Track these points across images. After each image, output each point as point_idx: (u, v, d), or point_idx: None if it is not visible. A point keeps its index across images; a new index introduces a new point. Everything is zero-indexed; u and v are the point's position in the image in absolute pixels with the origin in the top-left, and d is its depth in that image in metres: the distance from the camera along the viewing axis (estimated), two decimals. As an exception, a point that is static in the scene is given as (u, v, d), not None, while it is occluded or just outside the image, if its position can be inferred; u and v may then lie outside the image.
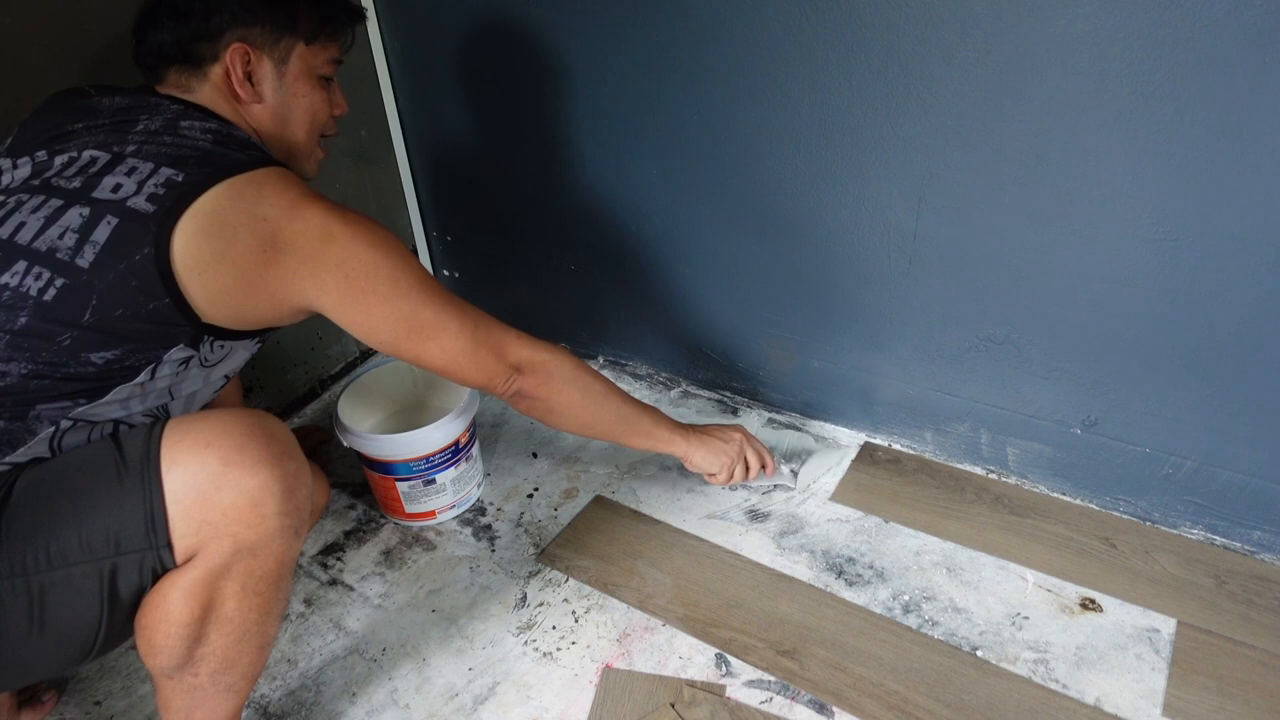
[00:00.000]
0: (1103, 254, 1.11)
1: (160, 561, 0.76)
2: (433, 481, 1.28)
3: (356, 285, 0.87)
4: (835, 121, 1.20)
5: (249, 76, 0.92)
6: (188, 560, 0.77)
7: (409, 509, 1.31)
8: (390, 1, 1.53)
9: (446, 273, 1.86)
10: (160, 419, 0.83)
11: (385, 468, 1.26)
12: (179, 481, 0.75)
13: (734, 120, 1.28)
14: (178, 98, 0.90)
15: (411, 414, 1.46)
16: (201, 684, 0.84)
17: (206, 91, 0.92)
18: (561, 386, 1.05)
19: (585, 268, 1.62)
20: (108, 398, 0.81)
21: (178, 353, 0.83)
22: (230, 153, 0.85)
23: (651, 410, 1.18)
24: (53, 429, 0.79)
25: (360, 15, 1.03)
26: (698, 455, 1.20)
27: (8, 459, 0.77)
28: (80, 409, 0.80)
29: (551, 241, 1.63)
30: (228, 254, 0.80)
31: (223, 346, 0.87)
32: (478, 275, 1.82)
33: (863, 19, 1.11)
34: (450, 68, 1.53)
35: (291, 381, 1.62)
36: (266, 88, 0.94)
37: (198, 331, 0.83)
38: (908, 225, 1.23)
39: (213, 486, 0.75)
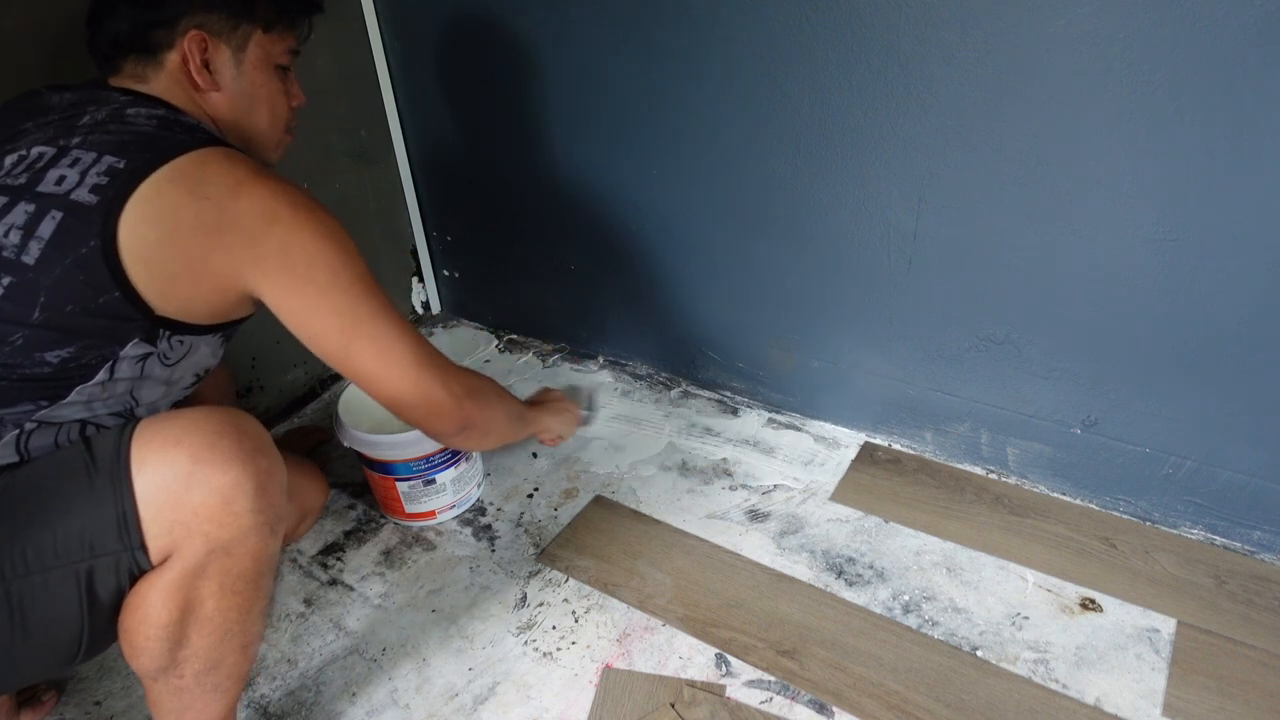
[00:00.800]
0: (1103, 254, 1.11)
1: (135, 563, 0.75)
2: (433, 481, 1.28)
3: (295, 271, 0.83)
4: (835, 121, 1.20)
5: (206, 65, 0.90)
6: (163, 561, 0.76)
7: (409, 509, 1.31)
8: (390, 1, 1.53)
9: (446, 273, 1.86)
10: (130, 419, 0.81)
11: (385, 468, 1.26)
12: (149, 481, 0.74)
13: (734, 120, 1.28)
14: (128, 89, 0.88)
15: None
16: (188, 685, 0.84)
17: (162, 81, 0.90)
18: (494, 408, 1.02)
19: (585, 267, 1.62)
20: (69, 398, 0.79)
21: (134, 349, 0.81)
22: (175, 135, 0.83)
23: (523, 416, 1.15)
24: (17, 431, 0.78)
25: (318, 7, 1.01)
26: (558, 426, 1.25)
27: None
28: (43, 411, 0.79)
29: (551, 241, 1.63)
30: (172, 239, 0.78)
31: (181, 342, 0.85)
32: (478, 275, 1.82)
33: (863, 19, 1.11)
34: (450, 68, 1.53)
35: (291, 381, 1.62)
36: (225, 76, 0.92)
37: (152, 325, 0.81)
38: (908, 225, 1.23)
39: (183, 485, 0.74)
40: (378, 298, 0.88)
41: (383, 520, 1.36)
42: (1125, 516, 1.27)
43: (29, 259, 0.76)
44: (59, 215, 0.77)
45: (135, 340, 0.81)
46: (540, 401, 1.26)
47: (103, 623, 0.78)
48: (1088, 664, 1.06)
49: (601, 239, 1.55)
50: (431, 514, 1.32)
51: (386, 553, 1.30)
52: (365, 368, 0.88)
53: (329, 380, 1.69)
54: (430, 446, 1.25)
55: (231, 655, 0.84)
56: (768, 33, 1.18)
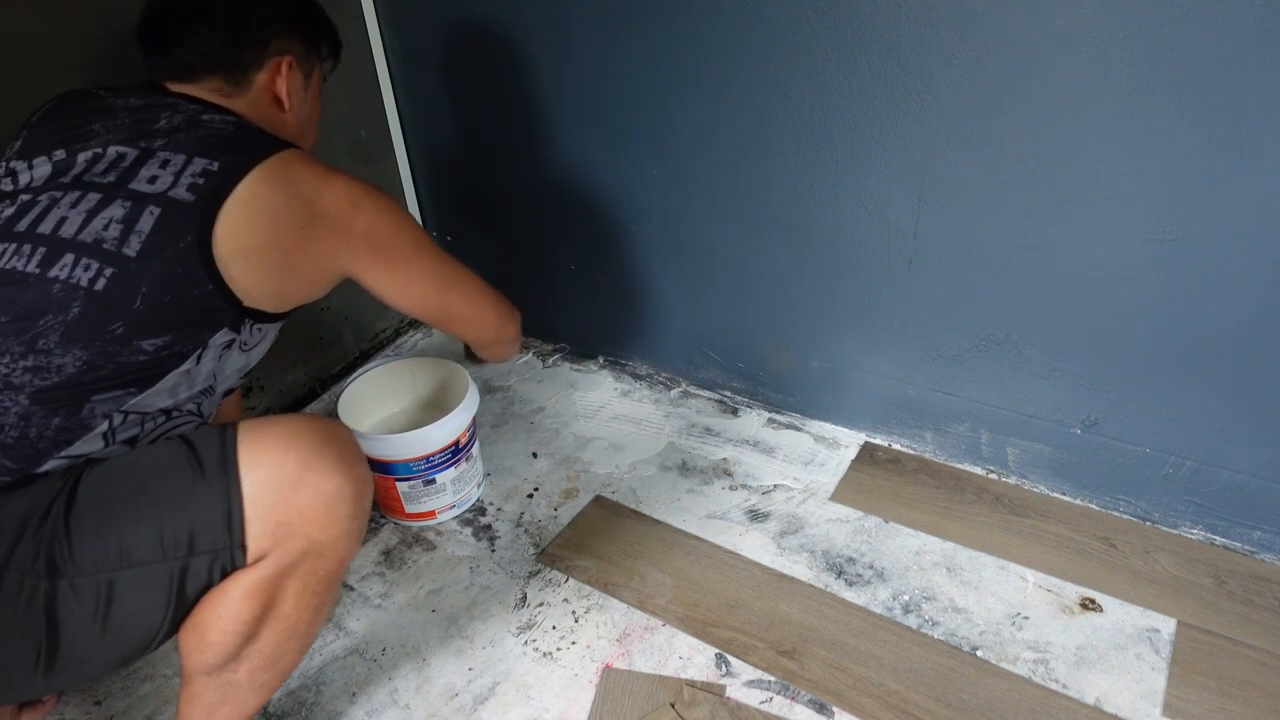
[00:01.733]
0: (1103, 254, 1.11)
1: (232, 560, 0.78)
2: (433, 481, 1.28)
3: (385, 248, 0.93)
4: (835, 121, 1.20)
5: (287, 89, 0.98)
6: (257, 560, 0.79)
7: (409, 509, 1.31)
8: (390, 1, 1.53)
9: (446, 273, 1.85)
10: (208, 418, 0.88)
11: (385, 468, 1.26)
12: (259, 482, 0.77)
13: (734, 121, 1.28)
14: (194, 97, 0.92)
15: (411, 414, 1.46)
16: (240, 680, 0.85)
17: (246, 98, 0.95)
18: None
19: (585, 267, 1.62)
20: (157, 386, 0.82)
21: (221, 337, 0.85)
22: (256, 139, 0.88)
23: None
24: (106, 423, 0.81)
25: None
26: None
27: (64, 454, 0.79)
28: (133, 400, 0.81)
29: (551, 241, 1.63)
30: (272, 236, 0.84)
31: (259, 329, 0.90)
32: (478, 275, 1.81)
33: (862, 19, 1.11)
34: (450, 68, 1.53)
35: (291, 382, 1.62)
36: (295, 99, 0.99)
37: (239, 315, 0.85)
38: (908, 225, 1.23)
39: (292, 488, 0.77)
40: (445, 254, 1.03)
41: (383, 520, 1.36)
42: (1125, 516, 1.27)
43: (130, 251, 0.79)
44: (157, 210, 0.80)
45: (224, 329, 0.85)
46: None
47: (179, 619, 0.80)
48: (1088, 664, 1.06)
49: (601, 239, 1.55)
50: (431, 514, 1.32)
51: (386, 553, 1.30)
52: (461, 312, 1.07)
53: (329, 380, 1.69)
54: (431, 446, 1.25)
55: (290, 655, 0.87)
56: (768, 33, 1.18)
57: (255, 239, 0.83)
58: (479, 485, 1.39)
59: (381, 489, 1.30)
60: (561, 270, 1.65)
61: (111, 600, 0.75)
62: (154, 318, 0.80)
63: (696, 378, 1.62)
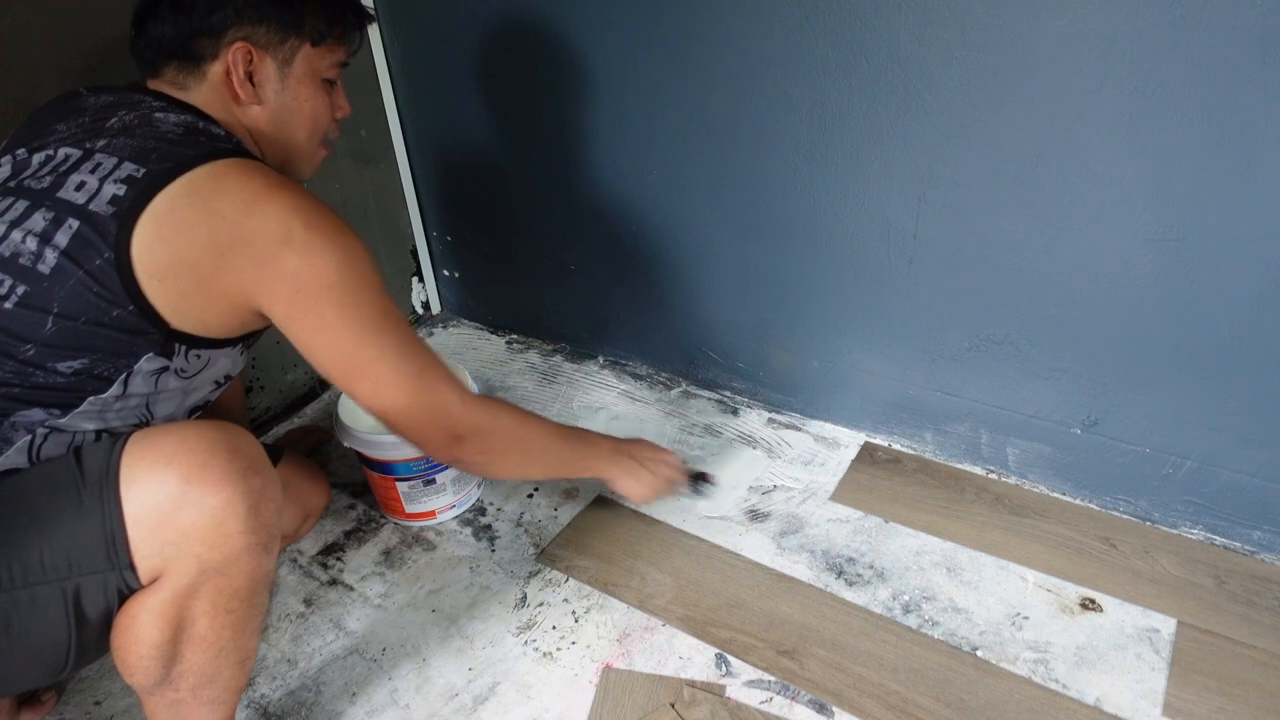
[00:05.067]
0: (1103, 254, 1.11)
1: (124, 582, 0.74)
2: (433, 481, 1.28)
3: (303, 302, 0.80)
4: (835, 122, 1.20)
5: (250, 77, 0.89)
6: (154, 580, 0.75)
7: (409, 509, 1.31)
8: (391, 1, 1.53)
9: (446, 273, 1.86)
10: (119, 437, 0.78)
11: (385, 468, 1.26)
12: (139, 501, 0.72)
13: (734, 120, 1.28)
14: (164, 93, 0.87)
15: None
16: (184, 698, 0.83)
17: (203, 91, 0.88)
18: (502, 453, 0.98)
19: (585, 268, 1.62)
20: (82, 408, 0.78)
21: (148, 363, 0.79)
22: (197, 144, 0.81)
23: (583, 440, 1.12)
24: (29, 437, 0.77)
25: (369, 17, 1.01)
26: (625, 484, 1.15)
27: None
28: (56, 420, 0.78)
29: (551, 241, 1.63)
30: (184, 258, 0.76)
31: (199, 356, 0.83)
32: (478, 275, 1.82)
33: (862, 19, 1.11)
34: (450, 68, 1.53)
35: (291, 381, 1.62)
36: (268, 90, 0.90)
37: (167, 339, 0.79)
38: (908, 225, 1.23)
39: (173, 506, 0.72)
40: (385, 334, 0.85)
41: (383, 520, 1.36)
42: (1125, 516, 1.27)
43: (44, 268, 0.75)
44: (75, 224, 0.75)
45: (149, 354, 0.79)
46: (633, 449, 1.17)
47: (92, 637, 0.77)
48: (1088, 664, 1.06)
49: (601, 239, 1.55)
50: (431, 514, 1.32)
51: (386, 553, 1.30)
52: (364, 405, 0.89)
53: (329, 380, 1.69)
54: None
55: (227, 670, 0.83)
56: (767, 33, 1.18)
57: (165, 259, 0.76)
58: (479, 485, 1.39)
59: (381, 489, 1.30)
60: (561, 270, 1.65)
61: (9, 622, 0.72)
62: (67, 340, 0.75)
63: (696, 378, 1.62)
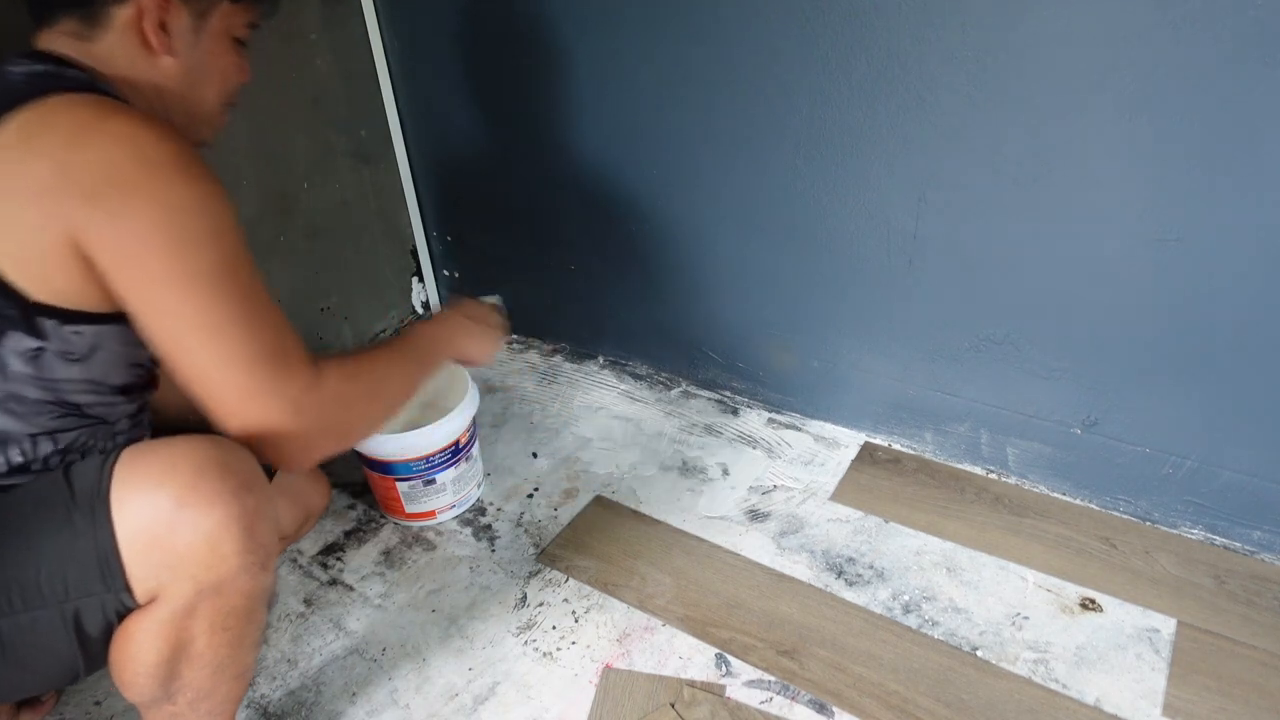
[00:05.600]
0: (1103, 254, 1.11)
1: (121, 604, 0.73)
2: (433, 481, 1.28)
3: (126, 250, 0.69)
4: (835, 122, 1.20)
5: (163, 26, 0.79)
6: (151, 600, 0.74)
7: (409, 509, 1.31)
8: (390, 1, 1.53)
9: (446, 273, 1.86)
10: (110, 455, 0.73)
11: (385, 468, 1.26)
12: (131, 524, 0.70)
13: (734, 121, 1.28)
14: (38, 50, 0.77)
15: (411, 414, 1.45)
16: (181, 711, 0.83)
17: (107, 41, 0.77)
18: (360, 425, 0.84)
19: (585, 268, 1.62)
20: None
21: (17, 343, 0.72)
22: (36, 86, 0.71)
23: (416, 342, 0.94)
24: None
25: None
26: (471, 352, 1.02)
27: None
28: None
29: (551, 241, 1.63)
30: (10, 208, 0.68)
31: (79, 334, 0.74)
32: (478, 275, 1.82)
33: (862, 19, 1.11)
34: (450, 68, 1.53)
35: (291, 381, 1.62)
36: (181, 41, 0.81)
37: (27, 314, 0.71)
38: (908, 225, 1.23)
39: (166, 528, 0.70)
40: (223, 300, 0.72)
41: (383, 520, 1.36)
42: (1125, 516, 1.27)
43: None
44: None
45: (16, 334, 0.71)
46: (451, 315, 1.03)
47: (99, 650, 0.76)
48: (1088, 664, 1.06)
49: (601, 239, 1.55)
50: (431, 514, 1.32)
51: (386, 553, 1.30)
52: (186, 381, 0.74)
53: (329, 380, 1.69)
54: (431, 446, 1.25)
55: (225, 684, 0.83)
56: (767, 33, 1.18)
57: (2, 216, 0.67)
58: (479, 485, 1.39)
59: (381, 489, 1.30)
60: (562, 270, 1.65)
61: (14, 643, 0.71)
62: None
63: (696, 378, 1.62)
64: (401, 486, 1.28)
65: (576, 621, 1.15)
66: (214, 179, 0.73)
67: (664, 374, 1.65)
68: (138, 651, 0.75)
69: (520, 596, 1.20)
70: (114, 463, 0.72)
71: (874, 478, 1.37)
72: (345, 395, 0.81)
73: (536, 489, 1.40)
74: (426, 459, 1.25)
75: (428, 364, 0.95)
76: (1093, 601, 1.14)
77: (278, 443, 0.76)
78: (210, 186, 0.72)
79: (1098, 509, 1.28)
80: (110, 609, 0.73)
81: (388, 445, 1.23)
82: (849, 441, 1.45)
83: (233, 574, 0.73)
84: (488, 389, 1.65)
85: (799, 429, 1.49)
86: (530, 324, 1.80)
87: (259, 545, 0.74)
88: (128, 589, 0.72)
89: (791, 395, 1.51)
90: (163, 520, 0.70)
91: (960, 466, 1.38)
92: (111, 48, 0.78)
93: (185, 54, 0.82)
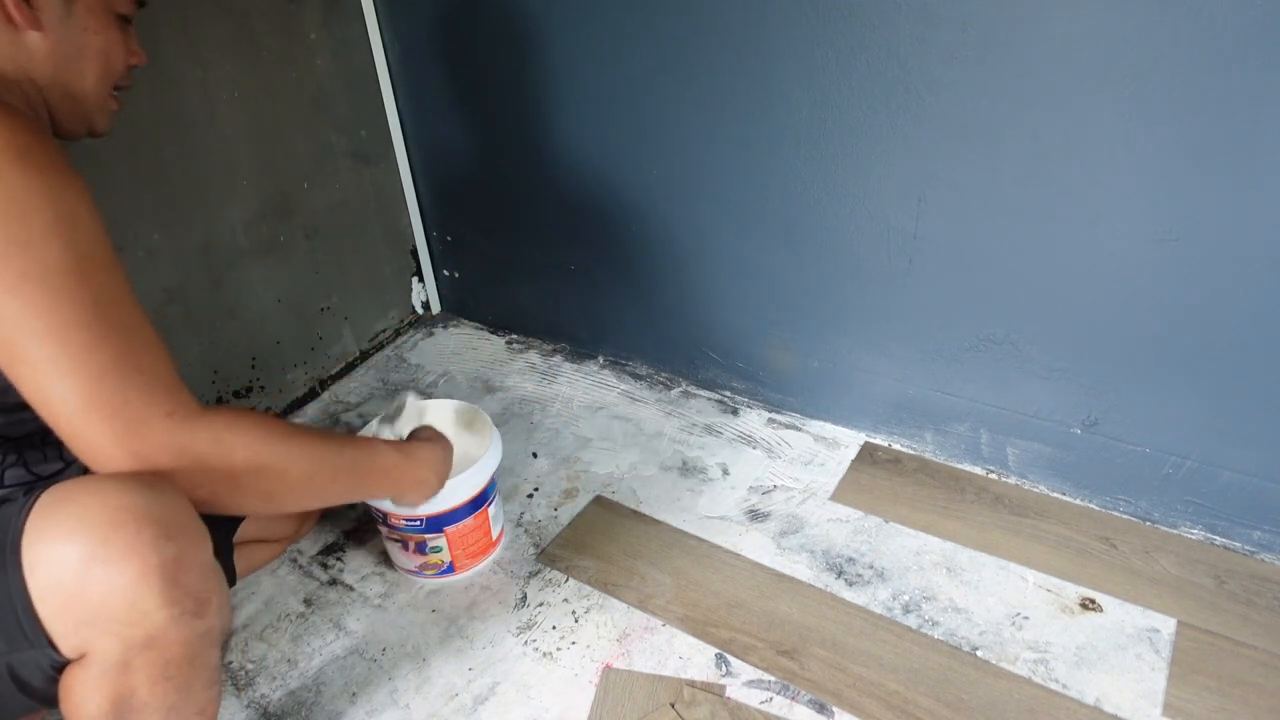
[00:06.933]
0: (1103, 254, 1.11)
1: (50, 658, 0.68)
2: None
3: None
4: (834, 121, 1.20)
5: None
6: (81, 656, 0.68)
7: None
8: (390, 1, 1.53)
9: (446, 273, 1.86)
10: (26, 499, 0.67)
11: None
12: (42, 580, 0.64)
13: (733, 121, 1.28)
14: None
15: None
16: None
17: None
18: (233, 488, 0.74)
19: (585, 268, 1.62)
20: None
21: None
22: None
23: (362, 457, 0.89)
24: None
25: None
26: (414, 497, 1.01)
27: None
28: None
29: (551, 241, 1.63)
30: None
31: None
32: (478, 275, 1.82)
33: (861, 19, 1.11)
34: (450, 68, 1.53)
35: (291, 381, 1.62)
36: (51, 15, 0.74)
37: None
38: (908, 225, 1.23)
39: (77, 586, 0.64)
40: (68, 305, 0.64)
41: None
42: (1125, 516, 1.27)
43: None
44: None
45: None
46: (408, 452, 0.98)
47: (50, 694, 0.72)
48: (1088, 664, 1.06)
49: (601, 239, 1.55)
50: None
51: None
52: (28, 396, 0.67)
53: (329, 380, 1.69)
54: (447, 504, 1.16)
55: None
56: (767, 33, 1.18)
57: None
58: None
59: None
60: (562, 270, 1.65)
61: None
62: None
63: (696, 378, 1.62)
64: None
65: (576, 621, 1.16)
66: (66, 170, 0.66)
67: (664, 374, 1.65)
68: (79, 704, 0.70)
69: (520, 596, 1.20)
70: (27, 512, 0.65)
71: (874, 478, 1.37)
72: (229, 446, 0.72)
73: (536, 489, 1.40)
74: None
75: (361, 482, 0.90)
76: (1093, 601, 1.14)
77: (111, 467, 0.68)
78: (57, 178, 0.65)
79: (1098, 509, 1.28)
80: (44, 663, 0.68)
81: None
82: (849, 441, 1.45)
83: (161, 628, 0.67)
84: (488, 389, 1.65)
85: (799, 429, 1.49)
86: (530, 324, 1.80)
87: (186, 594, 0.68)
88: (52, 645, 0.66)
89: (791, 395, 1.51)
90: (73, 576, 0.63)
91: (960, 466, 1.38)
92: None
93: (55, 29, 0.75)
